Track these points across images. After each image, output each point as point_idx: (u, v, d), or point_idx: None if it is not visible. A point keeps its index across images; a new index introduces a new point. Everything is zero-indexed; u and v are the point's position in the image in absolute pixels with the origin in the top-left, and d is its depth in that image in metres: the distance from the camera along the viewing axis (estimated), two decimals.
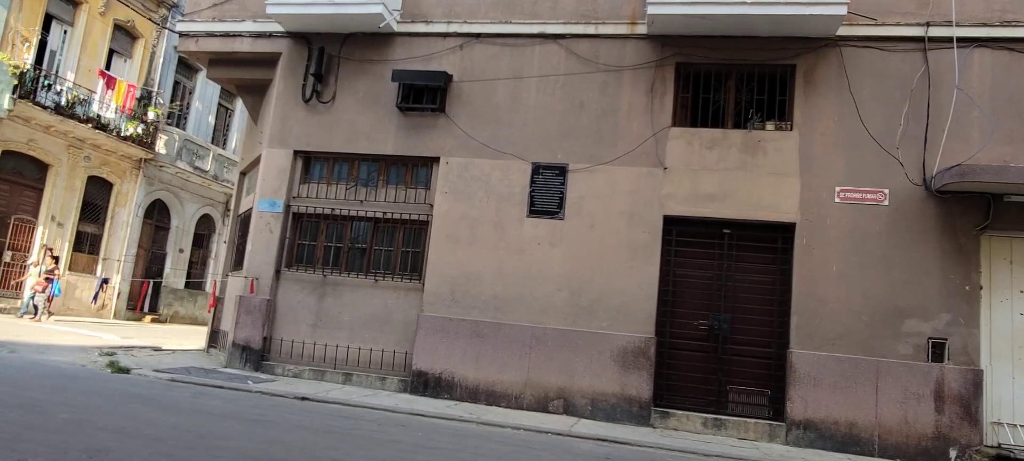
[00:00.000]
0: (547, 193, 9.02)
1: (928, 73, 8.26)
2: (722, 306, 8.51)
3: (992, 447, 7.61)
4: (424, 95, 9.46)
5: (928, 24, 8.32)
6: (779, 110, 8.77)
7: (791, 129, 8.58)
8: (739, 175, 8.57)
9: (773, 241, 8.54)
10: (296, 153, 9.97)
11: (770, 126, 8.71)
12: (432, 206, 9.42)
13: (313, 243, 9.86)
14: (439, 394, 8.79)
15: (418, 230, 9.56)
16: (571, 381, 8.54)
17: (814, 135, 8.47)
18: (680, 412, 8.31)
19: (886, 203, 8.17)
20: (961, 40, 8.20)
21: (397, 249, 9.60)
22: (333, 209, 9.75)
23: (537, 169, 9.10)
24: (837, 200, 8.29)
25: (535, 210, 9.04)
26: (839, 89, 8.47)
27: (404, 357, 9.15)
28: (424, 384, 8.88)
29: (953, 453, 7.61)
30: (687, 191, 8.67)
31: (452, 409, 8.00)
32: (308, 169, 10.09)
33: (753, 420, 8.16)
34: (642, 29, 8.97)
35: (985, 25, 8.20)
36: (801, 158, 8.45)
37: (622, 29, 9.10)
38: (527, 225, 9.02)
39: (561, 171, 9.03)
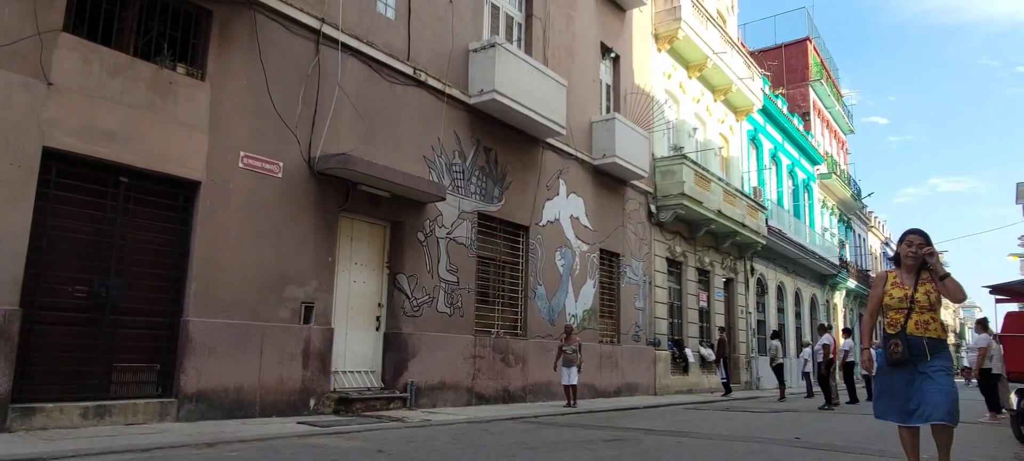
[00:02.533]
0: None
1: (319, 65, 9.15)
2: (111, 269, 7.02)
3: (335, 392, 9.11)
4: None
5: (322, 20, 9.21)
6: (192, 55, 7.91)
7: (203, 80, 7.89)
8: (147, 117, 7.28)
9: (175, 198, 7.65)
10: None
11: (181, 70, 7.76)
12: None
13: None
14: None
15: None
16: None
17: (225, 93, 8.06)
18: (51, 405, 6.40)
19: (280, 175, 8.59)
20: (344, 46, 9.46)
21: None
22: None
23: None
24: (241, 165, 8.16)
25: None
26: (251, 53, 8.35)
27: None
28: None
29: (313, 402, 8.72)
30: (81, 122, 6.75)
31: None
32: None
33: (143, 400, 7.10)
34: None
35: (358, 39, 9.73)
36: (211, 114, 7.89)
37: None
38: None
39: None
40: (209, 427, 7.07)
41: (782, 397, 16.18)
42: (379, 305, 10.12)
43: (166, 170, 7.43)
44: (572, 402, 11.61)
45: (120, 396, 6.99)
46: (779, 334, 18.64)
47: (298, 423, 7.79)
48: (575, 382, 11.66)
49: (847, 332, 18.09)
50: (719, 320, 20.55)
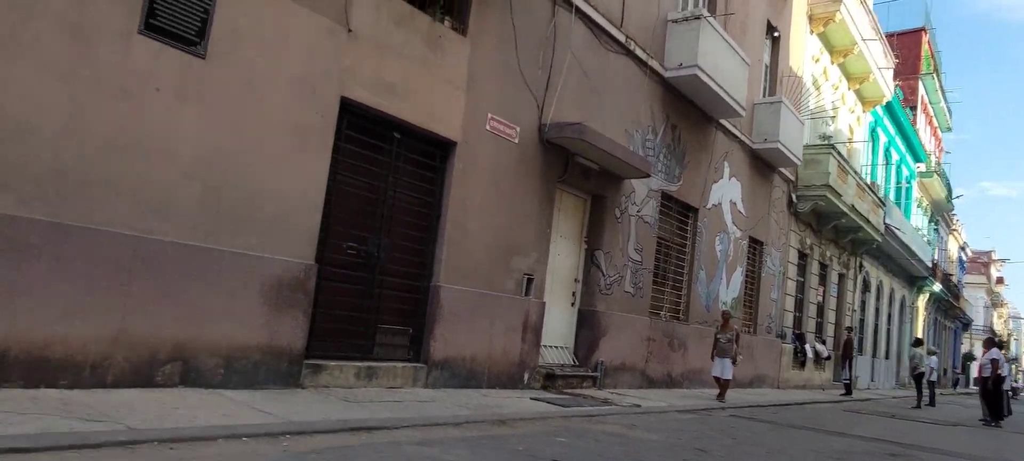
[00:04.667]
0: (182, 1, 5.04)
1: (556, 26, 8.71)
2: (382, 228, 6.80)
3: (543, 367, 8.89)
4: None
5: None
6: (457, 9, 7.53)
7: (465, 35, 7.52)
8: (421, 72, 6.96)
9: (433, 158, 7.36)
10: None
11: (448, 23, 7.39)
12: None
13: None
14: None
15: None
16: (199, 331, 5.19)
17: (481, 51, 7.69)
18: (332, 363, 6.26)
19: (516, 140, 8.24)
20: (577, 9, 8.99)
21: None
22: None
23: None
24: (487, 127, 7.83)
25: (157, 25, 4.92)
26: (503, 10, 7.94)
27: None
28: None
29: (526, 376, 8.52)
30: (372, 73, 6.45)
31: None
32: None
33: (400, 364, 6.94)
34: None
35: (588, 2, 9.24)
36: (470, 72, 7.54)
37: None
38: (139, 47, 4.83)
39: None
40: (462, 398, 6.89)
41: (917, 405, 15.69)
42: (575, 280, 9.84)
43: (431, 128, 7.12)
44: (722, 395, 10.76)
45: (382, 359, 6.82)
46: (921, 342, 17.99)
47: (532, 399, 7.60)
48: (729, 376, 10.74)
49: (1001, 345, 17.18)
50: (832, 316, 20.01)
